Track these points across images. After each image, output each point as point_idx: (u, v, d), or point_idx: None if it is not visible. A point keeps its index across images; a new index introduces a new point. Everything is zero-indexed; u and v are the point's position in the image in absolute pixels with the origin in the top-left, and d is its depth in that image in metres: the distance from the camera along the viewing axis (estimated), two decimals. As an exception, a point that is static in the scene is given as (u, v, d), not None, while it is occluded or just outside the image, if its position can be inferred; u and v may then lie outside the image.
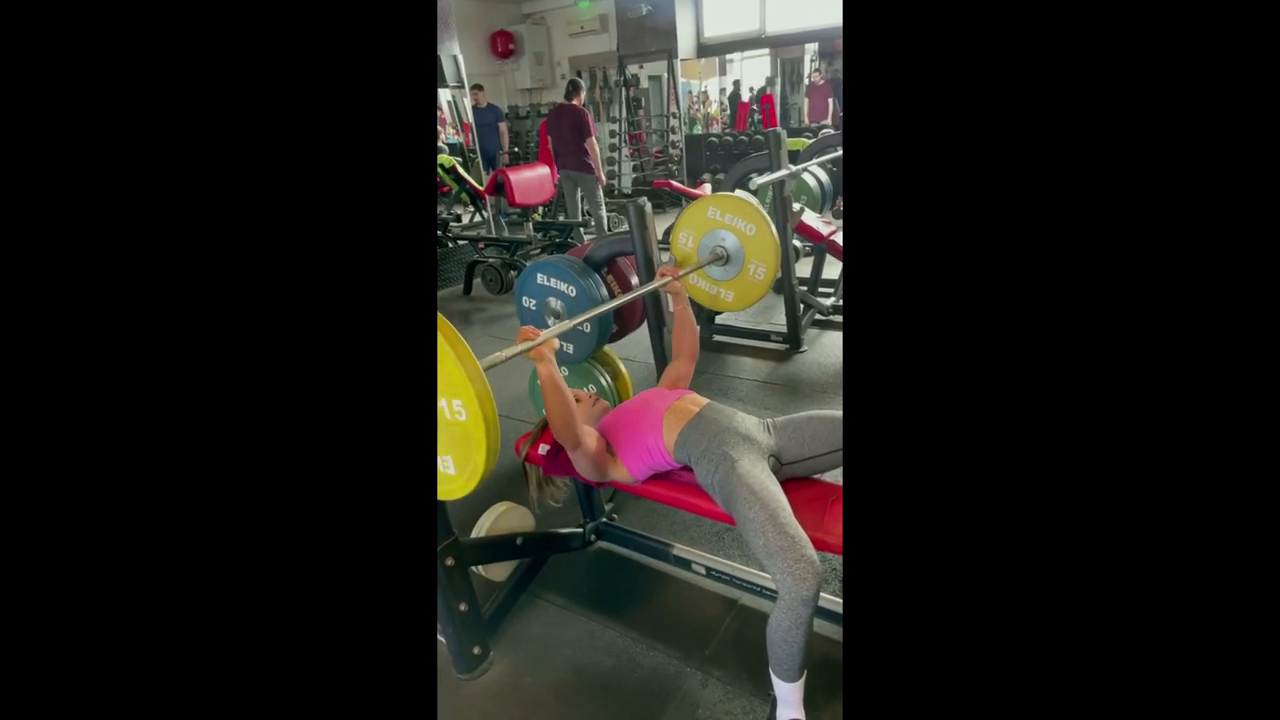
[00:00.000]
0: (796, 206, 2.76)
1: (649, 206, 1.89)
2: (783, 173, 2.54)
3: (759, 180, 2.38)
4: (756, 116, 7.83)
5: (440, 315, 0.94)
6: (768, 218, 1.89)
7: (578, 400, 1.59)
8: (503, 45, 8.03)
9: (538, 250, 4.48)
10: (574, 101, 4.54)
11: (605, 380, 2.16)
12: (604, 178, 4.75)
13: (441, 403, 0.99)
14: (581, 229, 4.52)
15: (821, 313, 3.19)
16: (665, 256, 2.09)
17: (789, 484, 1.36)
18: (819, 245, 3.13)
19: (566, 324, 1.35)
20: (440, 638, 1.40)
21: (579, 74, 7.72)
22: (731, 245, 1.97)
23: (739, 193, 2.21)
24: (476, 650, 1.39)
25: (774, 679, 1.15)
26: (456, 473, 1.05)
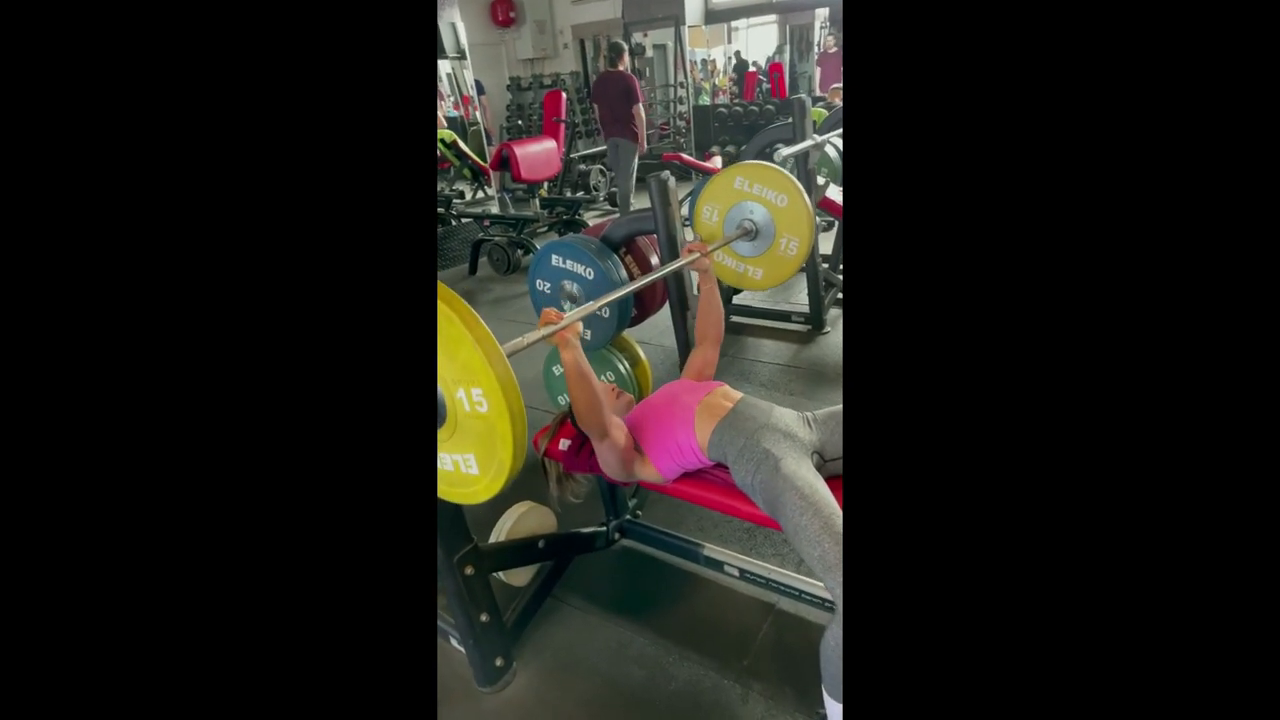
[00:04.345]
0: (820, 180, 2.62)
1: (673, 181, 1.76)
2: (808, 143, 2.39)
3: (785, 151, 2.24)
4: (765, 86, 7.59)
5: (454, 293, 0.82)
6: (800, 187, 1.75)
7: (599, 393, 1.48)
8: (503, 13, 7.75)
9: (545, 228, 4.34)
10: (619, 67, 4.46)
11: (624, 368, 2.05)
12: (645, 144, 4.66)
13: (459, 393, 0.86)
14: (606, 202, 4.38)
15: (843, 291, 3.07)
16: (688, 234, 1.96)
17: (830, 483, 1.26)
18: (843, 220, 2.99)
19: (591, 306, 1.24)
20: (460, 648, 1.32)
21: (611, 40, 7.47)
22: (761, 218, 1.82)
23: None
24: (499, 662, 1.31)
25: (827, 698, 1.05)
26: (480, 472, 0.93)
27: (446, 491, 1.01)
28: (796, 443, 1.20)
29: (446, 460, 0.97)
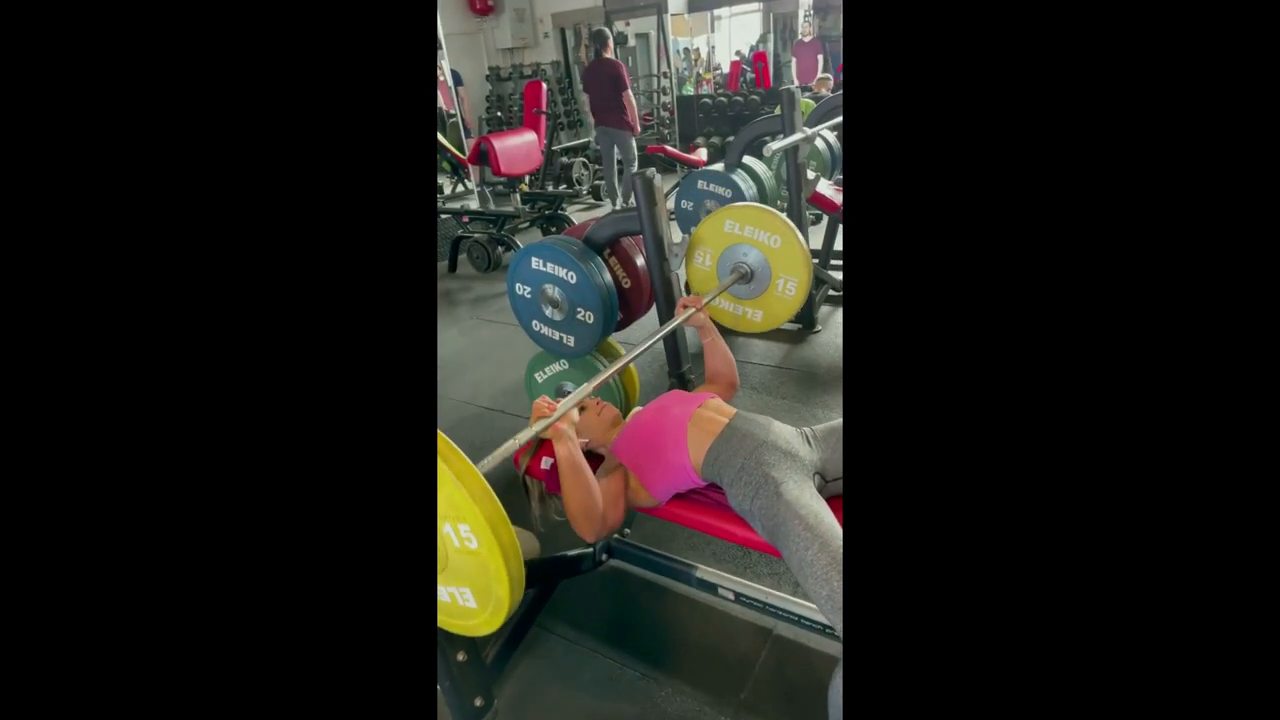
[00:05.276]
0: (811, 175, 2.53)
1: (658, 179, 1.66)
2: (798, 136, 2.30)
3: (775, 145, 2.14)
4: (749, 76, 7.47)
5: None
6: (793, 227, 1.68)
7: (583, 409, 1.39)
8: (481, 1, 7.56)
9: (526, 224, 4.22)
10: (605, 54, 4.47)
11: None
12: (638, 128, 4.73)
13: (446, 528, 0.81)
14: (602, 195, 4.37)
15: (835, 288, 2.99)
16: (675, 232, 1.87)
17: (830, 503, 1.18)
18: (832, 215, 2.91)
19: (586, 387, 1.14)
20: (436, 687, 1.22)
21: (595, 28, 7.38)
22: (755, 260, 1.75)
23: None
24: (479, 702, 1.21)
25: (832, 744, 0.97)
26: (479, 607, 0.87)
27: (445, 622, 0.95)
28: (797, 463, 1.11)
29: (443, 592, 0.91)
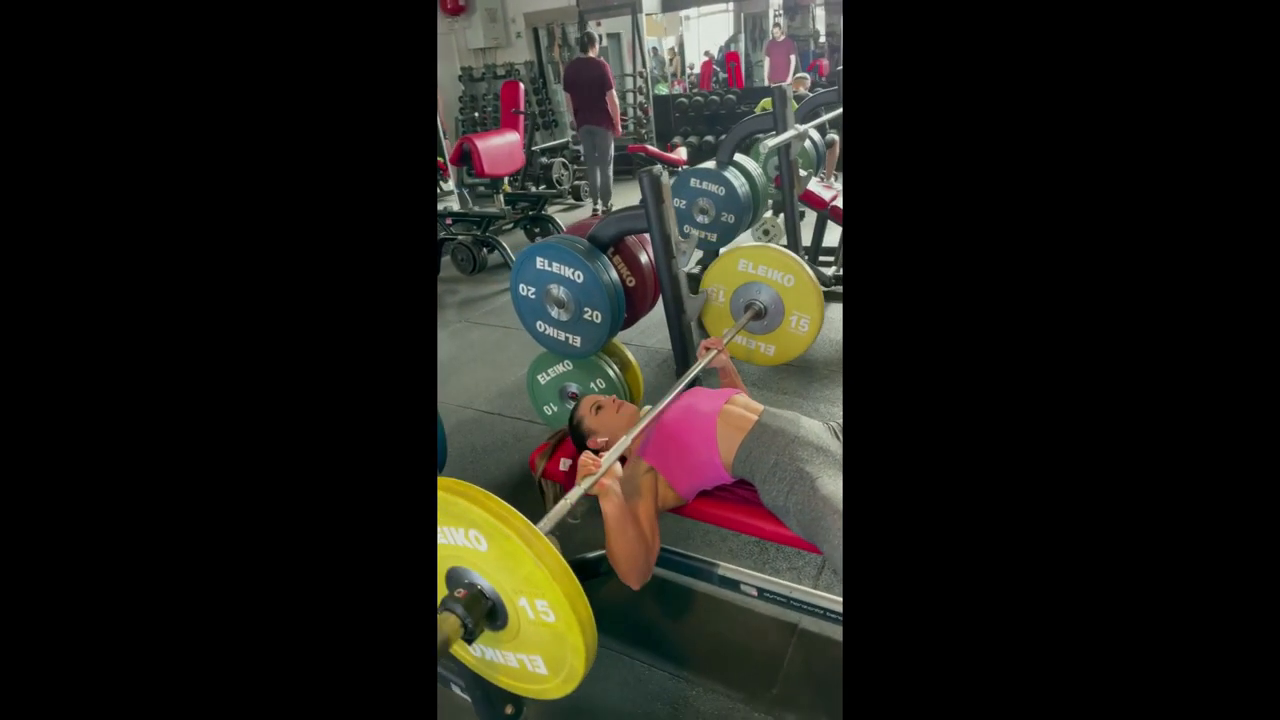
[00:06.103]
0: (803, 173, 2.55)
1: (665, 176, 1.65)
2: (792, 133, 2.32)
3: (772, 141, 2.15)
4: (721, 75, 7.51)
5: (510, 508, 0.78)
6: (806, 266, 1.73)
7: (600, 407, 1.38)
8: (452, 1, 7.46)
9: (510, 225, 4.17)
10: (590, 54, 4.44)
11: (613, 372, 1.94)
12: (619, 129, 4.76)
13: (521, 601, 0.83)
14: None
15: (824, 283, 3.01)
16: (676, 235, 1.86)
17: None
18: (821, 211, 2.94)
19: (625, 440, 1.12)
20: (465, 696, 1.20)
21: (582, 28, 7.35)
22: (768, 298, 1.82)
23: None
24: (509, 709, 1.19)
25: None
26: (549, 674, 0.89)
27: (513, 685, 0.97)
28: (829, 458, 1.12)
29: (510, 658, 0.93)
